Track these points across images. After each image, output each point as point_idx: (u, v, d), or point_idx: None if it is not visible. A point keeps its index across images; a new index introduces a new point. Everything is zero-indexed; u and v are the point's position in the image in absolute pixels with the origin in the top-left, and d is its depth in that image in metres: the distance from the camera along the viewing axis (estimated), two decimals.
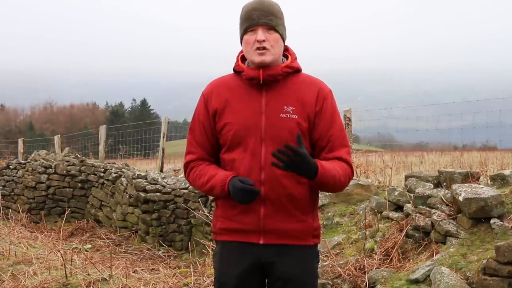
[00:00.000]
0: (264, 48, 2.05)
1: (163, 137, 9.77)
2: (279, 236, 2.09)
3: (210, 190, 2.11)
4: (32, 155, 12.37)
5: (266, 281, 2.20)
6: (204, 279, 4.65)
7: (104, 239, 8.28)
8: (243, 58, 2.18)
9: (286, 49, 2.21)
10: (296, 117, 2.09)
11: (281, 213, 2.08)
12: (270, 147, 2.06)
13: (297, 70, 2.18)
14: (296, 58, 2.20)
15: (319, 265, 4.18)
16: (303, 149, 1.95)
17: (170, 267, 6.47)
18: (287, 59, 2.19)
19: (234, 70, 2.20)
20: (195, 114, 2.23)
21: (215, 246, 2.31)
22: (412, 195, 4.64)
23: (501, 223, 3.68)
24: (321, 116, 2.12)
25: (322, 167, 2.00)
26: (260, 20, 2.05)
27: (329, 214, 5.40)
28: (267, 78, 2.09)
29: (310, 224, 2.15)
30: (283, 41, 2.14)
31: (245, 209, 2.08)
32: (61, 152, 12.31)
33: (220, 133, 2.14)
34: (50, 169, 10.71)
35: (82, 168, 10.60)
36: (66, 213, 8.79)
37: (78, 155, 11.61)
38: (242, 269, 2.11)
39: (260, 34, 2.05)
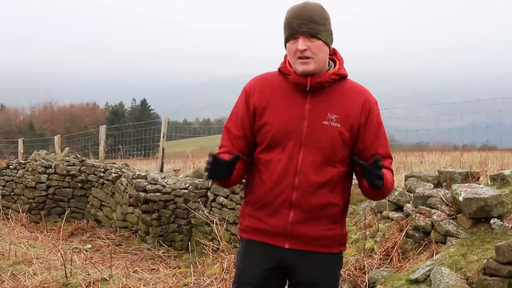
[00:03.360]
0: (306, 57, 2.01)
1: (163, 137, 9.77)
2: (305, 242, 2.06)
3: None
4: (32, 155, 12.36)
5: (287, 284, 2.19)
6: (204, 279, 4.65)
7: (104, 239, 8.29)
8: None
9: (334, 52, 2.17)
10: (339, 125, 2.05)
11: (310, 220, 2.05)
12: (309, 153, 2.04)
13: (344, 77, 2.14)
14: (343, 64, 2.15)
15: None
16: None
17: (170, 267, 6.47)
18: (334, 63, 2.15)
19: (280, 70, 2.15)
20: (235, 109, 2.19)
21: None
22: (412, 195, 4.64)
23: (501, 223, 3.68)
24: (366, 128, 2.10)
25: (385, 175, 2.00)
26: (301, 29, 2.00)
27: None
28: (314, 85, 2.05)
29: (338, 233, 2.12)
30: (328, 46, 2.08)
31: (275, 211, 2.06)
32: (61, 152, 12.30)
33: (258, 132, 2.11)
34: (50, 169, 10.71)
35: (82, 168, 10.60)
36: (66, 213, 8.80)
37: (78, 155, 11.60)
38: (263, 269, 2.09)
39: (301, 43, 2.00)
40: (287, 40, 2.07)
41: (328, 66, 2.13)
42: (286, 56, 2.15)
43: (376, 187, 1.95)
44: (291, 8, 2.06)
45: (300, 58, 2.02)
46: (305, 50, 2.01)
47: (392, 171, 2.15)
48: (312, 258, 2.08)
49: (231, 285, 2.25)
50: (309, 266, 2.08)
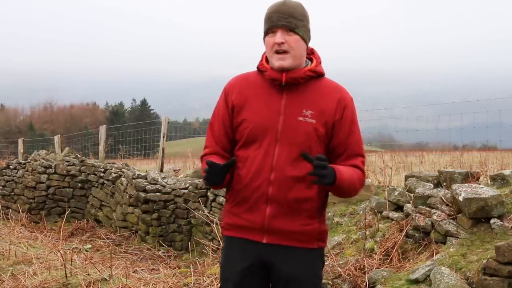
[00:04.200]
0: (283, 51, 2.07)
1: (163, 137, 9.77)
2: (282, 237, 2.10)
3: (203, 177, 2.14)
4: (32, 155, 12.36)
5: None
6: (204, 279, 4.65)
7: (104, 239, 8.28)
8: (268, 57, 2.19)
9: (312, 52, 2.21)
10: (314, 121, 2.09)
11: (287, 215, 2.08)
12: (284, 148, 2.08)
13: (320, 75, 2.18)
14: (320, 62, 2.20)
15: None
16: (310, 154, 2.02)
17: (170, 267, 6.47)
18: (311, 62, 2.18)
19: (257, 68, 2.20)
20: (216, 109, 2.25)
21: (220, 242, 2.34)
22: (412, 195, 4.65)
23: (501, 223, 3.68)
24: (341, 125, 2.13)
25: (340, 172, 2.01)
26: (279, 22, 2.06)
27: (329, 214, 5.40)
28: (289, 81, 2.10)
29: (316, 228, 2.14)
30: (306, 42, 2.14)
31: (252, 207, 2.10)
32: (61, 152, 12.30)
33: (236, 129, 2.16)
34: (50, 169, 10.71)
35: (82, 168, 10.60)
36: (66, 213, 8.81)
37: (78, 155, 11.60)
38: (243, 266, 2.12)
39: (279, 36, 2.06)
40: (266, 34, 2.13)
41: (305, 64, 2.17)
42: (263, 54, 2.20)
43: (322, 184, 1.96)
44: (271, 5, 2.13)
45: (277, 52, 2.07)
46: (282, 43, 2.06)
47: (362, 170, 2.16)
48: (290, 253, 2.11)
49: None
50: (287, 262, 2.10)
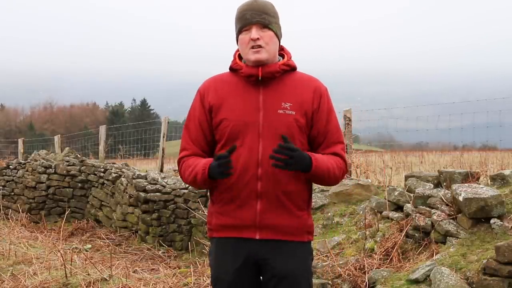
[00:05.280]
0: (259, 46, 2.10)
1: (163, 137, 9.77)
2: (275, 231, 2.12)
3: (194, 178, 2.12)
4: (32, 155, 12.37)
5: (261, 278, 2.21)
6: (204, 279, 4.66)
7: (104, 239, 8.29)
8: (240, 56, 2.22)
9: (281, 48, 2.26)
10: (294, 113, 2.13)
11: (277, 209, 2.11)
12: (268, 142, 2.09)
13: (293, 68, 2.23)
14: (291, 57, 2.25)
15: (319, 265, 4.18)
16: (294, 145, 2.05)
17: (170, 267, 6.47)
18: (283, 58, 2.23)
19: (230, 68, 2.23)
20: (191, 110, 2.26)
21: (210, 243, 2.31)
22: (412, 195, 4.65)
23: (501, 223, 3.68)
24: (318, 114, 2.18)
25: (316, 160, 2.06)
26: (254, 19, 2.11)
27: (329, 214, 5.40)
28: (266, 75, 2.13)
29: (305, 221, 2.19)
30: (278, 39, 2.19)
31: (242, 203, 2.11)
32: (61, 152, 12.31)
33: (216, 129, 2.17)
34: (50, 169, 10.71)
35: (82, 168, 10.60)
36: (66, 213, 8.80)
37: (78, 155, 11.61)
38: (237, 265, 2.13)
39: (254, 32, 2.10)
40: (239, 32, 2.16)
41: (278, 60, 2.21)
42: (235, 53, 2.24)
43: (286, 169, 2.00)
44: (241, 4, 2.17)
45: (253, 47, 2.11)
46: (257, 39, 2.10)
47: (343, 157, 2.21)
48: (283, 248, 2.12)
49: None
50: (281, 258, 2.12)
